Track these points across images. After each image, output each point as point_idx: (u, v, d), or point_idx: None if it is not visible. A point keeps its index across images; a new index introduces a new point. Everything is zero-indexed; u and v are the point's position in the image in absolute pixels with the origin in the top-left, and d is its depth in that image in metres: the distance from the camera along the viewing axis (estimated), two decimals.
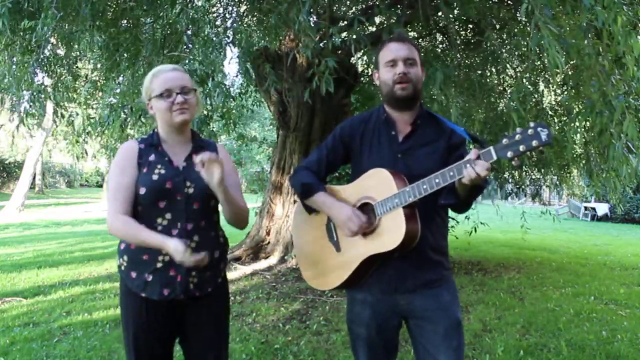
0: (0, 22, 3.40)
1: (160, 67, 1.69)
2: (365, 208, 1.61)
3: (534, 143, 1.30)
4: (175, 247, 1.45)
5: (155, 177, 1.58)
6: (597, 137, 3.47)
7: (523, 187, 7.66)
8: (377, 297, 1.64)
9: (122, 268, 1.63)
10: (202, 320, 1.65)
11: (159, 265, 1.56)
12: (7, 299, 4.51)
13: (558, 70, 2.84)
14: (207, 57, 4.28)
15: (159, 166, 1.61)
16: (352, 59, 6.15)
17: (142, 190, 1.58)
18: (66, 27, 4.24)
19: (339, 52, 3.40)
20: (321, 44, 4.20)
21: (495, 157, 1.36)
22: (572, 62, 3.76)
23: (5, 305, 4.34)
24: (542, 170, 6.87)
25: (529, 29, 2.78)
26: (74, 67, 5.53)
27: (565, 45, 2.94)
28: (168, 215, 1.57)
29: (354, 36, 3.89)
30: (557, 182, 7.37)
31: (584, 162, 5.86)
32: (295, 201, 5.89)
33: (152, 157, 1.63)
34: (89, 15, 3.66)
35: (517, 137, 1.33)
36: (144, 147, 1.66)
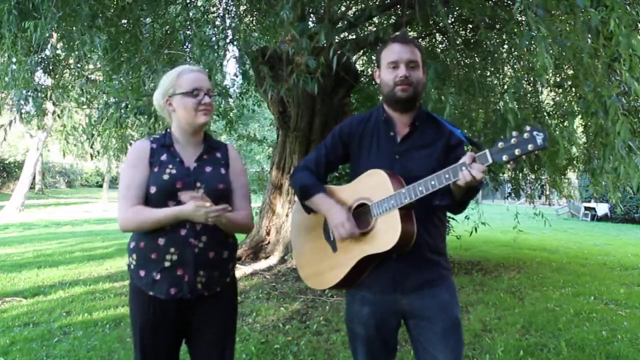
0: (7, 27, 3.41)
1: (187, 67, 1.71)
2: (362, 208, 1.61)
3: (530, 147, 1.31)
4: (194, 208, 1.48)
5: (166, 177, 1.60)
6: (594, 137, 3.48)
7: (521, 188, 7.65)
8: (376, 297, 1.64)
9: (132, 267, 1.64)
10: (209, 320, 1.66)
11: (167, 264, 1.56)
12: (7, 299, 4.50)
13: (547, 72, 2.84)
14: (205, 56, 4.28)
15: (170, 166, 1.62)
16: (350, 58, 6.13)
17: (153, 190, 1.59)
18: (65, 26, 4.24)
19: (339, 52, 3.40)
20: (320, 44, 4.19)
21: (490, 160, 1.37)
22: (570, 63, 3.76)
23: (5, 305, 4.34)
24: (537, 172, 6.87)
25: (523, 29, 2.78)
26: (75, 68, 5.53)
27: (561, 45, 2.94)
28: None
29: (353, 37, 3.89)
30: (552, 184, 7.36)
31: (584, 162, 5.87)
32: (294, 202, 5.90)
33: (163, 157, 1.65)
34: (88, 15, 3.66)
35: (513, 140, 1.33)
36: (156, 147, 1.67)
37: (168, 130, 1.73)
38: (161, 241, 1.57)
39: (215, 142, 1.76)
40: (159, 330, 1.62)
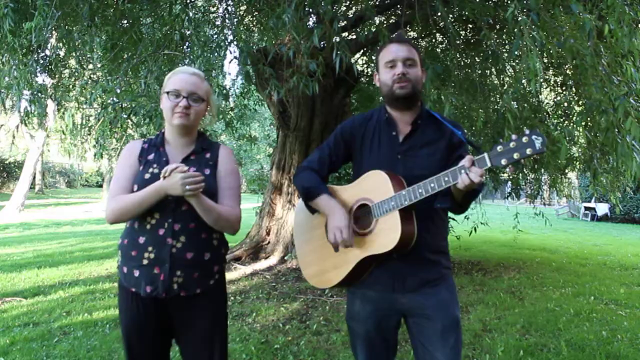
0: (6, 24, 3.41)
1: (182, 68, 1.73)
2: (364, 209, 1.62)
3: (528, 151, 1.31)
4: (169, 180, 1.50)
5: (147, 175, 1.61)
6: (604, 134, 3.47)
7: (521, 187, 7.65)
8: (376, 296, 1.64)
9: (118, 263, 1.67)
10: (191, 321, 1.65)
11: (145, 262, 1.58)
12: (7, 299, 4.51)
13: (536, 76, 2.85)
14: (204, 57, 4.27)
15: (154, 165, 1.64)
16: (353, 59, 6.15)
17: (135, 188, 1.61)
18: (64, 25, 4.23)
19: (339, 52, 3.40)
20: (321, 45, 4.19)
21: (489, 164, 1.37)
22: (571, 63, 3.77)
23: (5, 305, 4.34)
24: (537, 172, 6.87)
25: (520, 30, 2.79)
26: (75, 68, 5.54)
27: (560, 46, 2.94)
28: (157, 215, 1.59)
29: (353, 37, 3.89)
30: (552, 184, 7.36)
31: (586, 162, 5.86)
32: (294, 202, 5.90)
33: (151, 157, 1.67)
34: (87, 14, 3.66)
35: (512, 144, 1.34)
36: (147, 147, 1.70)
37: (162, 131, 1.75)
38: (141, 240, 1.59)
39: (208, 143, 1.75)
40: (142, 327, 1.63)
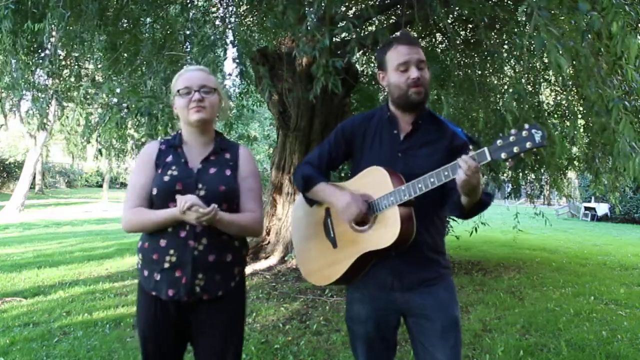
0: (5, 25, 3.41)
1: (186, 67, 1.73)
2: None
3: (528, 144, 1.31)
4: (182, 213, 1.47)
5: (166, 178, 1.59)
6: (600, 135, 3.47)
7: (521, 187, 7.66)
8: (375, 295, 1.65)
9: (138, 266, 1.65)
10: (210, 324, 1.64)
11: (166, 265, 1.56)
12: (7, 299, 4.51)
13: (563, 73, 2.84)
14: (204, 56, 4.26)
15: (173, 167, 1.62)
16: (352, 59, 6.16)
17: (154, 191, 1.59)
18: (72, 27, 4.24)
19: (339, 52, 3.40)
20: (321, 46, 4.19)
21: (489, 158, 1.37)
22: (572, 63, 3.77)
23: (5, 305, 4.34)
24: (537, 171, 6.88)
25: (526, 30, 2.79)
26: (77, 67, 5.54)
27: (562, 46, 2.95)
28: None
29: (354, 36, 3.90)
30: (552, 184, 7.37)
31: (586, 162, 5.87)
32: (295, 201, 5.90)
33: (169, 158, 1.65)
34: (95, 12, 3.66)
35: (512, 138, 1.34)
36: (165, 148, 1.68)
37: (179, 131, 1.73)
38: (162, 242, 1.57)
39: (227, 143, 1.74)
40: (160, 330, 1.62)
